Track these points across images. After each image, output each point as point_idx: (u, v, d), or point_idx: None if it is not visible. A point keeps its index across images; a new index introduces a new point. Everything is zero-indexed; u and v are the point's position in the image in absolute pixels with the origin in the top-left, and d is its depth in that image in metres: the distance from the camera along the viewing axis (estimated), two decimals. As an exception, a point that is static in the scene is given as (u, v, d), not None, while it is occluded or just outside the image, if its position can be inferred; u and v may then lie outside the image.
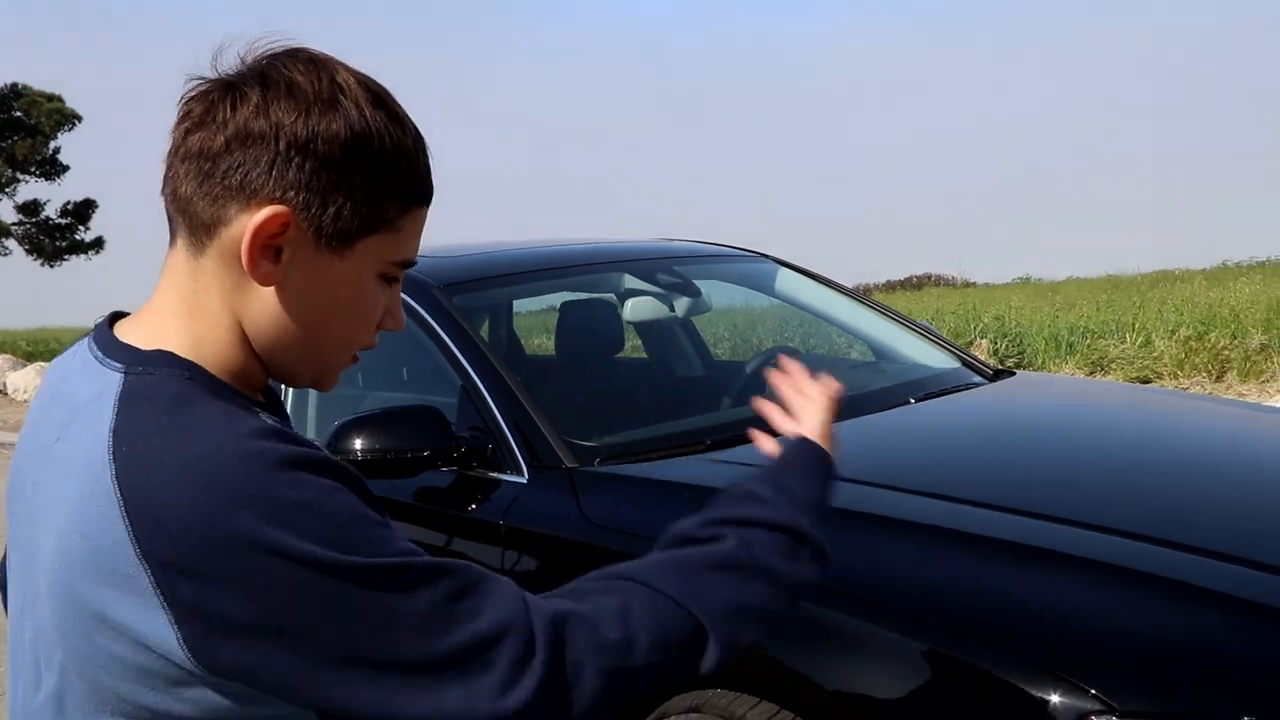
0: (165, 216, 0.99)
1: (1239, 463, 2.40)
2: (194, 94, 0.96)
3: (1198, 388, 8.34)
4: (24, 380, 16.45)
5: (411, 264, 1.02)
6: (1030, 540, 1.85)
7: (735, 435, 2.56)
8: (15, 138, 27.27)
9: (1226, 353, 8.55)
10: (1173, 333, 9.17)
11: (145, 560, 0.85)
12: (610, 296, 3.49)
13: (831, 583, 1.81)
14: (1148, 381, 8.63)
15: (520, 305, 4.00)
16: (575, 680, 0.91)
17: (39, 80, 28.04)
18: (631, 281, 3.37)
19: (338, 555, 0.86)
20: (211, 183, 0.93)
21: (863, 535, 1.94)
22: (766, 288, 3.72)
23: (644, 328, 3.79)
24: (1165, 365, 8.67)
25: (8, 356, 18.09)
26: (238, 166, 0.92)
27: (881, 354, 3.50)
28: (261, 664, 0.86)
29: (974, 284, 29.18)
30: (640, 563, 1.04)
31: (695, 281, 3.57)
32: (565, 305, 3.54)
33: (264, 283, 0.95)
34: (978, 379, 3.21)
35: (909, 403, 2.83)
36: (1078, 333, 9.97)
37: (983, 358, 10.38)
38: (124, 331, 0.99)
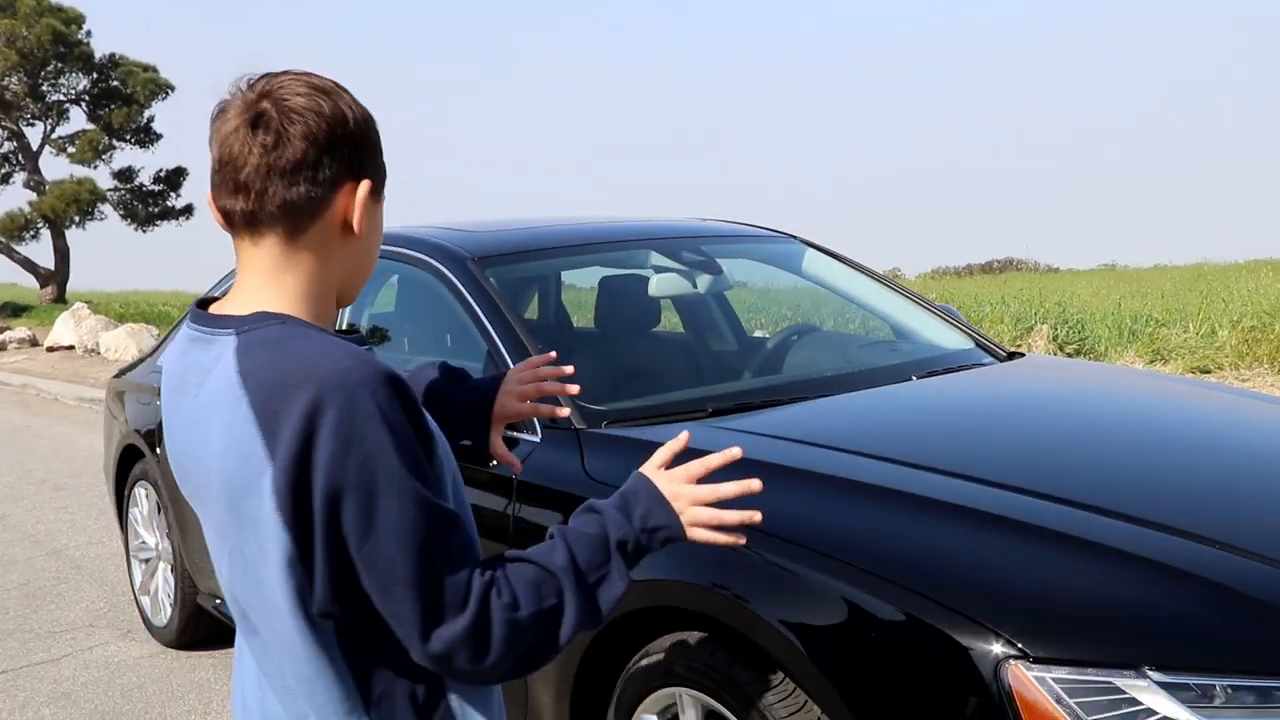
0: (243, 223, 1.28)
1: (1197, 442, 2.53)
2: (247, 124, 1.24)
3: (1259, 379, 8.26)
4: (116, 341, 17.15)
5: None
6: (968, 502, 2.01)
7: (737, 404, 2.75)
8: (112, 106, 28.21)
9: (1290, 344, 8.44)
10: (1236, 323, 9.07)
11: (271, 460, 1.17)
12: (649, 273, 3.68)
13: (792, 535, 2.01)
14: (1207, 372, 8.56)
15: (586, 280, 4.18)
16: (488, 629, 1.21)
17: (136, 51, 28.93)
18: (657, 259, 3.55)
19: (407, 466, 1.18)
20: (312, 183, 1.25)
21: (824, 495, 2.12)
22: (794, 268, 3.87)
23: (680, 303, 3.98)
24: (1226, 356, 8.59)
25: (101, 318, 18.86)
26: (332, 165, 1.26)
27: (900, 333, 3.64)
28: (331, 525, 1.17)
29: (1056, 270, 28.74)
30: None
31: (723, 260, 3.75)
32: (603, 280, 3.75)
33: (362, 235, 1.31)
34: (988, 359, 3.35)
35: (910, 380, 2.98)
36: (1141, 321, 9.90)
37: (1042, 344, 10.32)
38: (221, 311, 1.31)
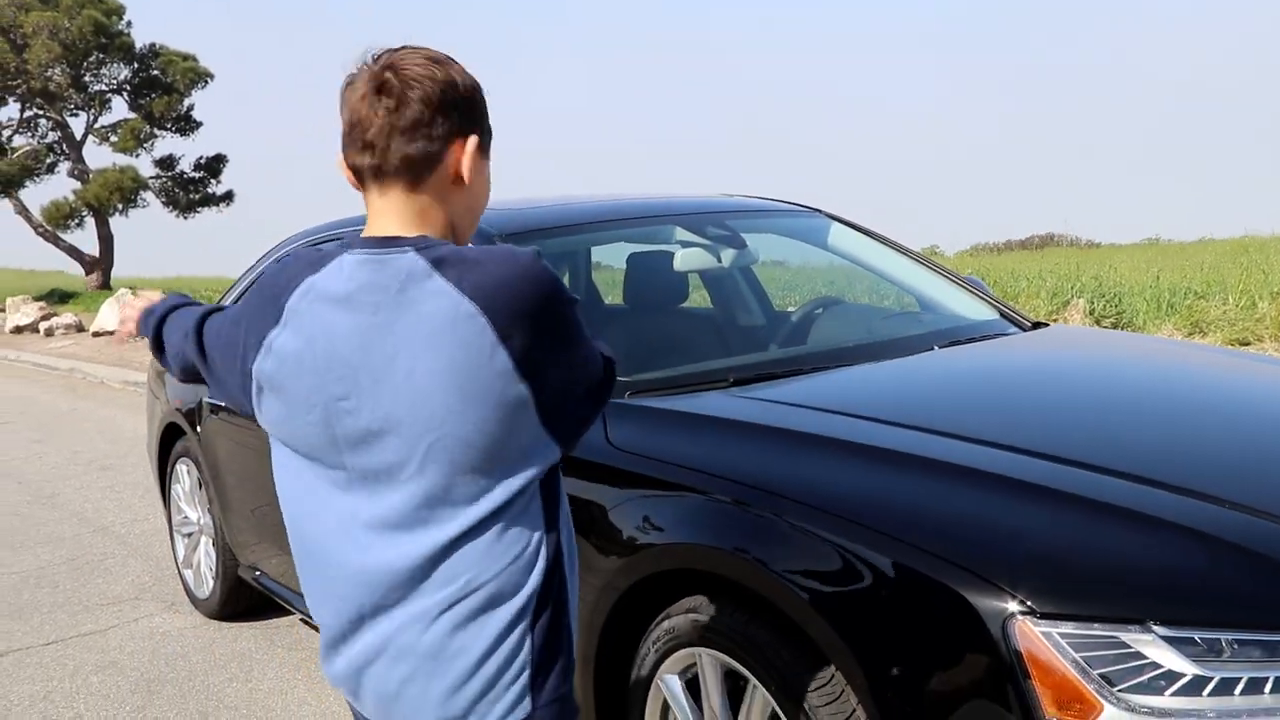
0: (371, 177, 1.48)
1: (1211, 405, 2.54)
2: (373, 91, 1.44)
3: (1299, 351, 8.16)
4: (159, 326, 17.41)
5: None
6: (980, 465, 2.04)
7: (758, 374, 2.79)
8: (153, 95, 28.53)
9: (1332, 316, 8.32)
10: (1277, 294, 8.95)
11: (502, 341, 1.38)
12: (675, 248, 3.72)
13: (809, 499, 2.06)
14: (1246, 344, 8.47)
15: (620, 260, 4.24)
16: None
17: (176, 40, 29.20)
18: (682, 234, 3.59)
19: (580, 317, 1.46)
20: (427, 139, 1.45)
21: (841, 460, 2.17)
22: (820, 242, 3.90)
23: (707, 278, 4.01)
24: (1266, 328, 8.49)
25: (145, 303, 19.15)
26: (444, 123, 1.46)
27: (925, 305, 3.66)
28: (552, 368, 1.42)
29: (1099, 244, 28.38)
30: None
31: (748, 235, 3.78)
32: (631, 257, 3.79)
33: (471, 184, 1.50)
34: (1012, 329, 3.37)
35: (931, 349, 3.01)
36: (1179, 293, 9.79)
37: (1078, 317, 10.20)
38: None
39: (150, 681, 3.98)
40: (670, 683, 2.31)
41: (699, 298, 4.16)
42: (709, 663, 2.21)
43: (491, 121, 1.56)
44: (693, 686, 2.28)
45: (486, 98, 1.54)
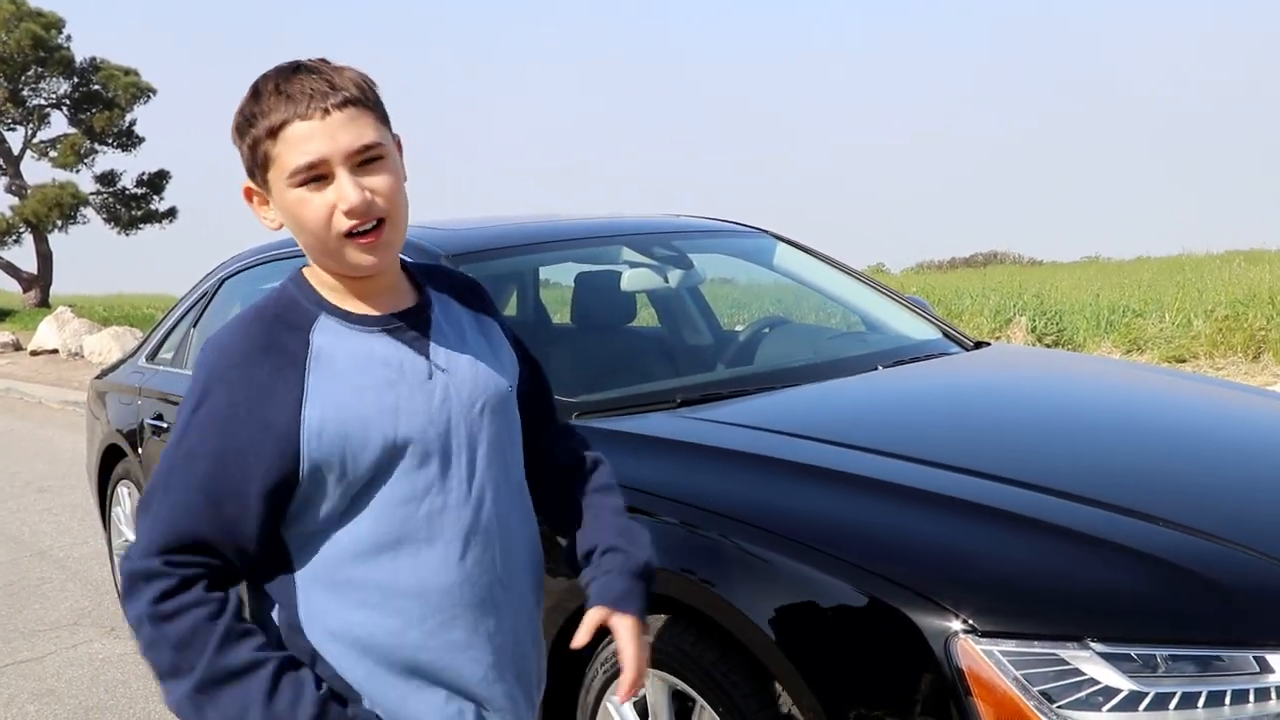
0: None
1: (1145, 424, 2.61)
2: None
3: (1233, 368, 8.37)
4: (99, 344, 17.10)
5: (303, 168, 1.38)
6: (920, 484, 2.08)
7: (705, 394, 2.81)
8: (94, 110, 28.07)
9: (1263, 333, 8.54)
10: (1210, 312, 9.17)
11: None
12: (622, 268, 3.73)
13: (754, 520, 2.08)
14: (1182, 361, 8.66)
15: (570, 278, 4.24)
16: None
17: (117, 55, 28.77)
18: (629, 254, 3.61)
19: (210, 406, 1.40)
20: None
21: (785, 480, 2.19)
22: (766, 262, 3.94)
23: (655, 298, 4.03)
24: (1201, 345, 8.69)
25: (84, 321, 18.81)
26: None
27: (870, 325, 3.71)
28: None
29: (1040, 262, 28.92)
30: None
31: (695, 255, 3.81)
32: (579, 276, 3.80)
33: (270, 227, 1.49)
34: (954, 349, 3.42)
35: (876, 369, 3.05)
36: (1117, 311, 9.99)
37: (1020, 335, 10.36)
38: None
39: (89, 709, 3.90)
40: (618, 703, 2.31)
41: (649, 316, 4.18)
42: (657, 684, 2.21)
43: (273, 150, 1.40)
44: (641, 708, 2.28)
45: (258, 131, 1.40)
